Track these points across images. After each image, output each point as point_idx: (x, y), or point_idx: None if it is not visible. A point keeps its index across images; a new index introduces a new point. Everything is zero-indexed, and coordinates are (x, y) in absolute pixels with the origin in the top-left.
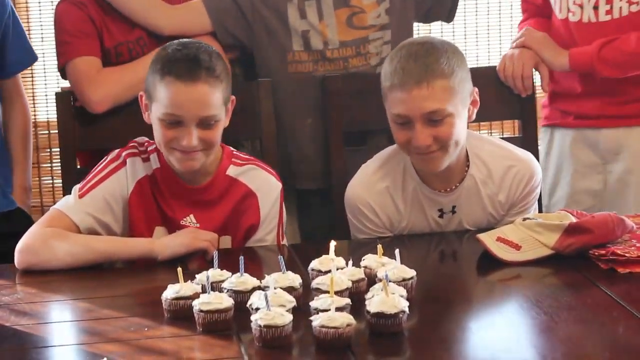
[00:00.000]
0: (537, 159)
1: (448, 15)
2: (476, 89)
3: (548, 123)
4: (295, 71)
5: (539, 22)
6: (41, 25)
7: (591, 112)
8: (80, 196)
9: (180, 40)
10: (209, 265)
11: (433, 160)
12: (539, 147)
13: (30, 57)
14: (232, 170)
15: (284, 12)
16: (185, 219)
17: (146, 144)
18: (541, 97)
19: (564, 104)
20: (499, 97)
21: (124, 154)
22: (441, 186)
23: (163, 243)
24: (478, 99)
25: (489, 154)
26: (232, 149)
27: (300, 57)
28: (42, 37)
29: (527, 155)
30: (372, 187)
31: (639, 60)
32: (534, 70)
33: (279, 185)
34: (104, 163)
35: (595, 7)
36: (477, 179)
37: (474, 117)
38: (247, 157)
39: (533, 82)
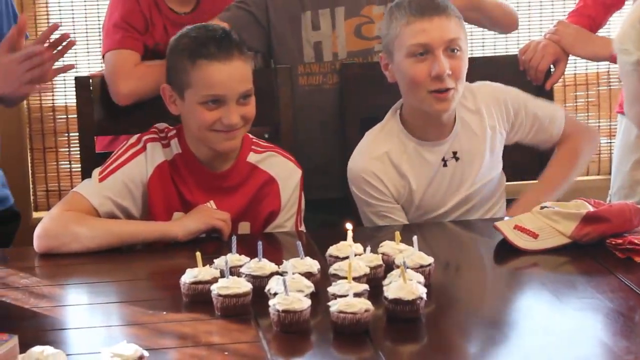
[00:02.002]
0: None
1: None
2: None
3: (619, 111)
4: (307, 83)
5: (579, 21)
6: (60, 10)
7: None
8: (101, 180)
9: (194, 25)
10: (227, 249)
11: (448, 98)
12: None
13: None
14: (252, 157)
15: (297, 24)
16: (205, 205)
17: (166, 129)
18: (559, 86)
19: None
20: (518, 85)
21: (144, 138)
22: (437, 137)
23: (181, 223)
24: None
25: (476, 87)
26: (251, 136)
27: (311, 69)
28: (61, 21)
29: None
30: (372, 154)
31: None
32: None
33: (299, 172)
34: (124, 147)
35: None
36: (466, 118)
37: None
38: (266, 144)
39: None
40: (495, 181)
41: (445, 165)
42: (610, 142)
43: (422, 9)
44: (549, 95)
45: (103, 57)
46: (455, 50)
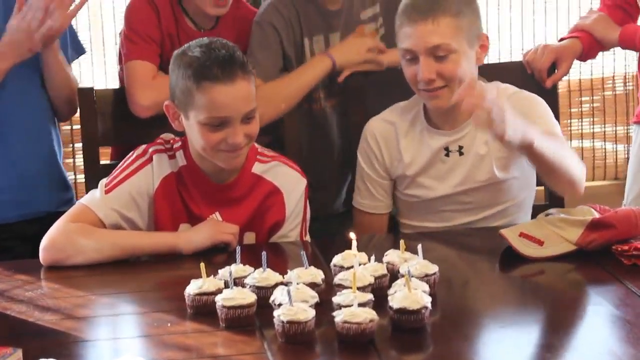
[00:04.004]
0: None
1: None
2: (487, 35)
3: (635, 121)
4: (309, 106)
5: (614, 15)
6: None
7: None
8: (107, 192)
9: (198, 41)
10: (232, 260)
11: (437, 97)
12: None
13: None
14: (257, 168)
15: (300, 49)
16: (211, 217)
17: (172, 140)
18: (564, 91)
19: None
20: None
21: (150, 150)
22: (448, 126)
23: (187, 237)
24: (487, 44)
25: (514, 94)
26: (257, 146)
27: (313, 94)
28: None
29: (530, 94)
30: (381, 119)
31: None
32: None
33: (304, 181)
34: (130, 159)
35: None
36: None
37: (483, 60)
38: (272, 154)
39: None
40: (506, 190)
41: (447, 155)
42: (615, 148)
43: (410, 13)
44: (553, 99)
45: (121, 65)
46: (442, 56)
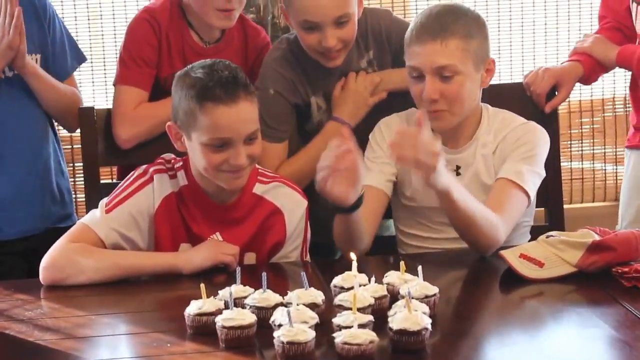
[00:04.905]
0: (560, 175)
1: None
2: (494, 60)
3: (628, 145)
4: (310, 123)
5: (612, 36)
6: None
7: None
8: (107, 211)
9: (201, 62)
10: (232, 280)
11: (439, 119)
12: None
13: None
14: (258, 188)
15: (308, 108)
16: (211, 237)
17: (173, 160)
18: (564, 112)
19: None
20: (523, 113)
21: (151, 170)
22: (451, 143)
23: (187, 257)
24: (494, 69)
25: (501, 120)
26: (258, 166)
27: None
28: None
29: (539, 126)
30: (396, 116)
31: None
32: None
33: (304, 202)
34: (131, 178)
35: None
36: (484, 142)
37: (487, 84)
38: (272, 174)
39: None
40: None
41: None
42: (616, 169)
43: (420, 32)
44: (553, 121)
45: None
46: (447, 76)
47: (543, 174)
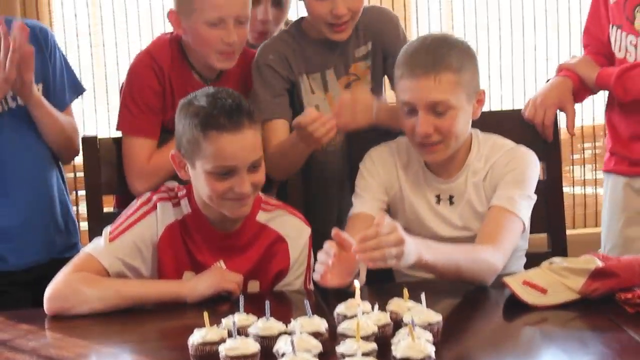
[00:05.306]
0: (562, 201)
1: None
2: (484, 90)
3: (604, 169)
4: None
5: (597, 59)
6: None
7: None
8: (111, 240)
9: (203, 90)
10: (235, 308)
11: (433, 151)
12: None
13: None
14: (261, 216)
15: (298, 88)
16: (215, 265)
17: (176, 188)
18: (566, 138)
19: (620, 149)
20: (523, 140)
21: (154, 198)
22: (442, 173)
23: (191, 285)
24: (484, 99)
25: (491, 146)
26: (261, 194)
27: None
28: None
29: (527, 149)
30: (385, 145)
31: None
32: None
33: (308, 230)
34: (134, 206)
35: None
36: (474, 169)
37: (478, 114)
38: (276, 202)
39: (557, 127)
40: None
41: (438, 203)
42: None
43: (412, 66)
44: (555, 147)
45: (118, 129)
46: (441, 111)
47: (534, 197)
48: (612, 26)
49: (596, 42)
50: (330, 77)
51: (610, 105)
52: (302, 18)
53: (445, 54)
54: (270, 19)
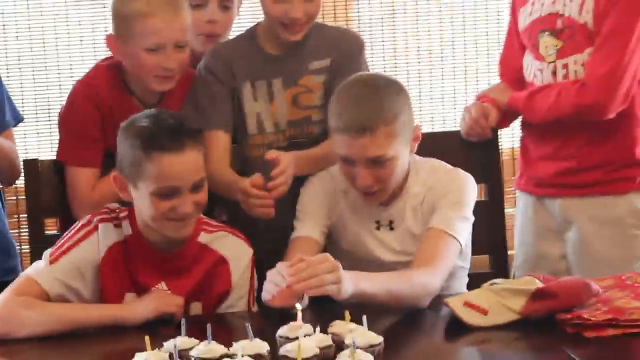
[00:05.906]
0: (504, 222)
1: None
2: (419, 125)
3: (515, 187)
4: (251, 155)
5: (513, 86)
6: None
7: (547, 180)
8: (51, 262)
9: (145, 112)
10: (177, 332)
11: (375, 198)
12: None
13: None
14: (203, 237)
15: (240, 95)
16: (156, 287)
17: (117, 210)
18: (508, 159)
19: (528, 169)
20: (464, 161)
21: (95, 219)
22: (381, 202)
23: (132, 308)
24: (420, 135)
25: (429, 169)
26: (202, 216)
27: (254, 141)
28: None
29: (464, 172)
30: (326, 172)
31: (555, 112)
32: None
33: (250, 251)
34: (76, 228)
35: (554, 72)
36: (413, 193)
37: (415, 149)
38: (217, 223)
39: (498, 150)
40: None
41: (378, 229)
42: None
43: (346, 123)
44: (496, 168)
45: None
46: (380, 162)
47: (472, 218)
48: (526, 53)
49: (511, 70)
50: (276, 87)
51: (523, 127)
52: (257, 24)
53: (378, 108)
54: (217, 20)
